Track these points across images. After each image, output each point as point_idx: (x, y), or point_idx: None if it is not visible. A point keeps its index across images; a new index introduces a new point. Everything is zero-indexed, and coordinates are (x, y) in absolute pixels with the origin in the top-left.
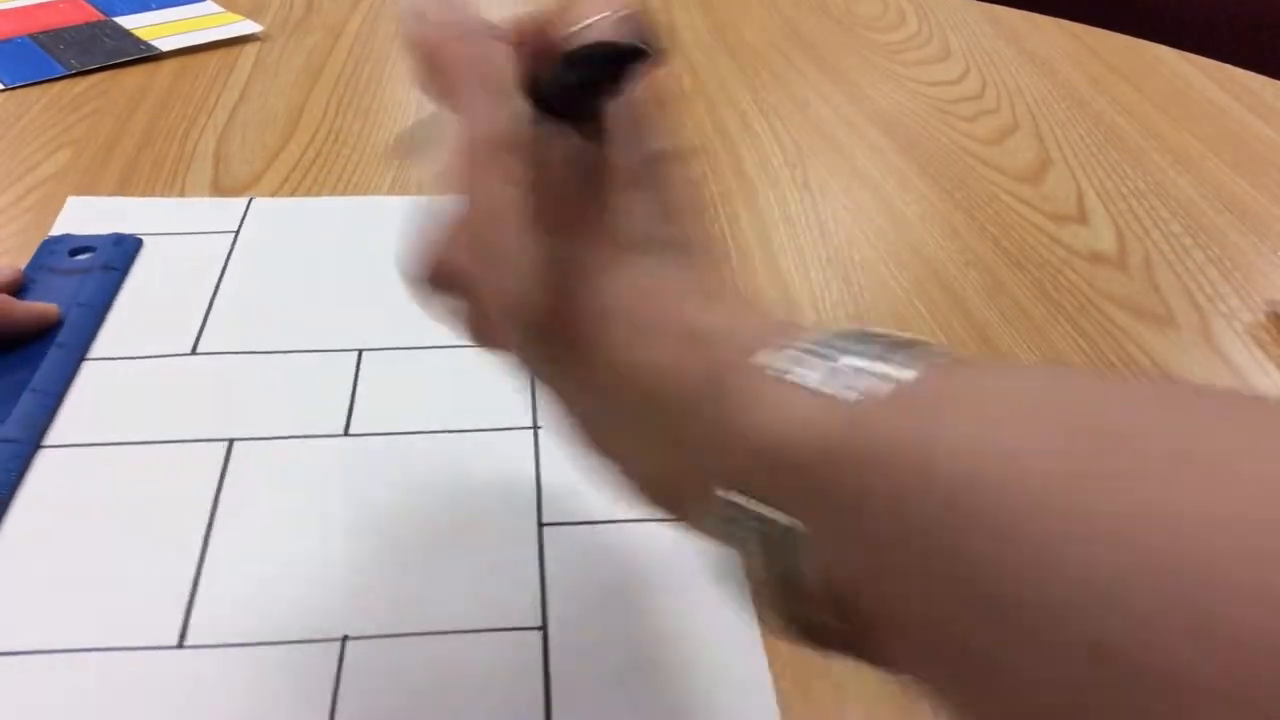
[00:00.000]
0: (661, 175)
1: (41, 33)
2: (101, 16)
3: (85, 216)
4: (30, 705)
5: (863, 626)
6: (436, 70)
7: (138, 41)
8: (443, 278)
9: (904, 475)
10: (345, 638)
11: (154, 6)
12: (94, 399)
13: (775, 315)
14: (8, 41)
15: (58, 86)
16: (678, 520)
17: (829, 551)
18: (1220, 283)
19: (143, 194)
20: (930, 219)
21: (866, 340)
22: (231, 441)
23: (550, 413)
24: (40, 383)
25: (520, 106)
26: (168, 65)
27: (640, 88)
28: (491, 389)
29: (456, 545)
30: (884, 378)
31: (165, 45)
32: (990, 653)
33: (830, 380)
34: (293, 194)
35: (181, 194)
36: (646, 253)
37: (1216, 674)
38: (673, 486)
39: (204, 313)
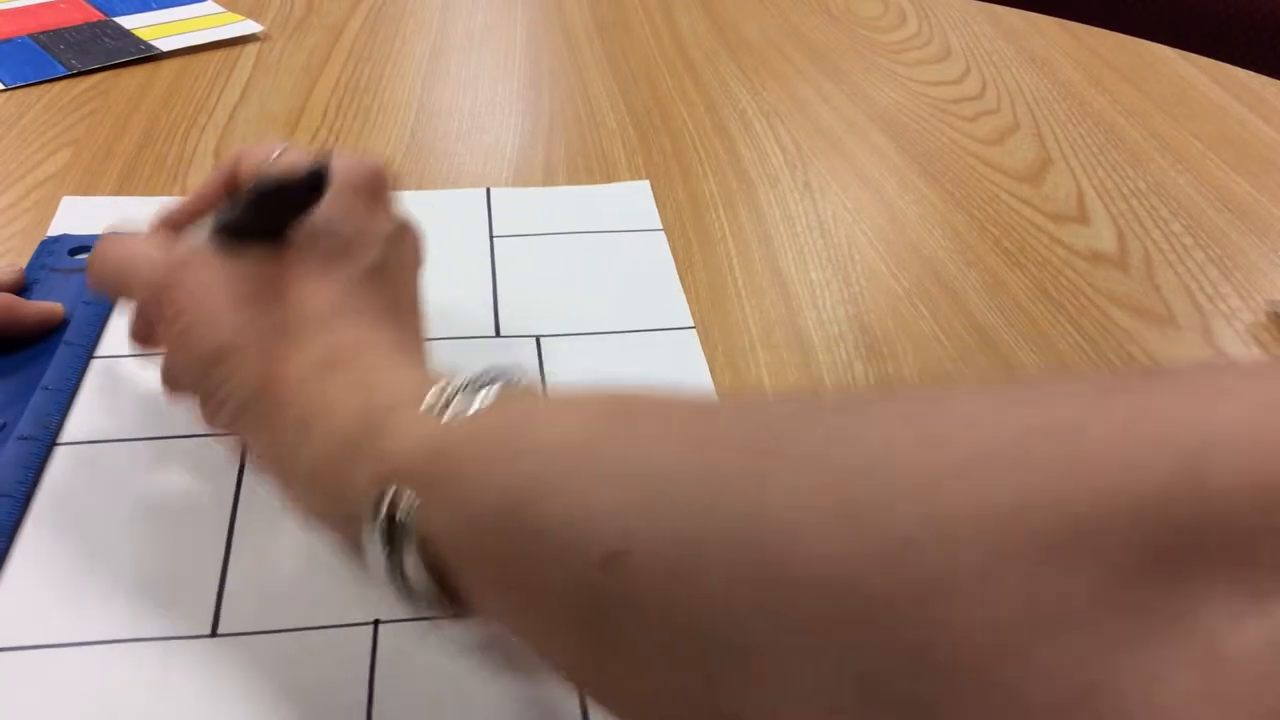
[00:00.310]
0: (356, 259)
1: (42, 33)
2: (102, 16)
3: (80, 216)
4: (66, 698)
5: (452, 583)
6: (113, 262)
7: (138, 41)
8: (183, 383)
9: (472, 458)
10: (377, 621)
11: (154, 6)
12: (106, 395)
13: (429, 370)
14: (8, 41)
15: (58, 86)
16: (336, 535)
17: (430, 522)
18: (1221, 282)
19: (143, 194)
20: (930, 219)
21: (481, 380)
22: None
23: (254, 460)
24: (51, 380)
25: (188, 242)
26: (168, 65)
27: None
28: None
29: None
30: (481, 400)
31: (166, 45)
32: (530, 571)
33: (451, 410)
34: None
35: (183, 194)
36: (338, 318)
37: (661, 551)
38: (337, 504)
39: None
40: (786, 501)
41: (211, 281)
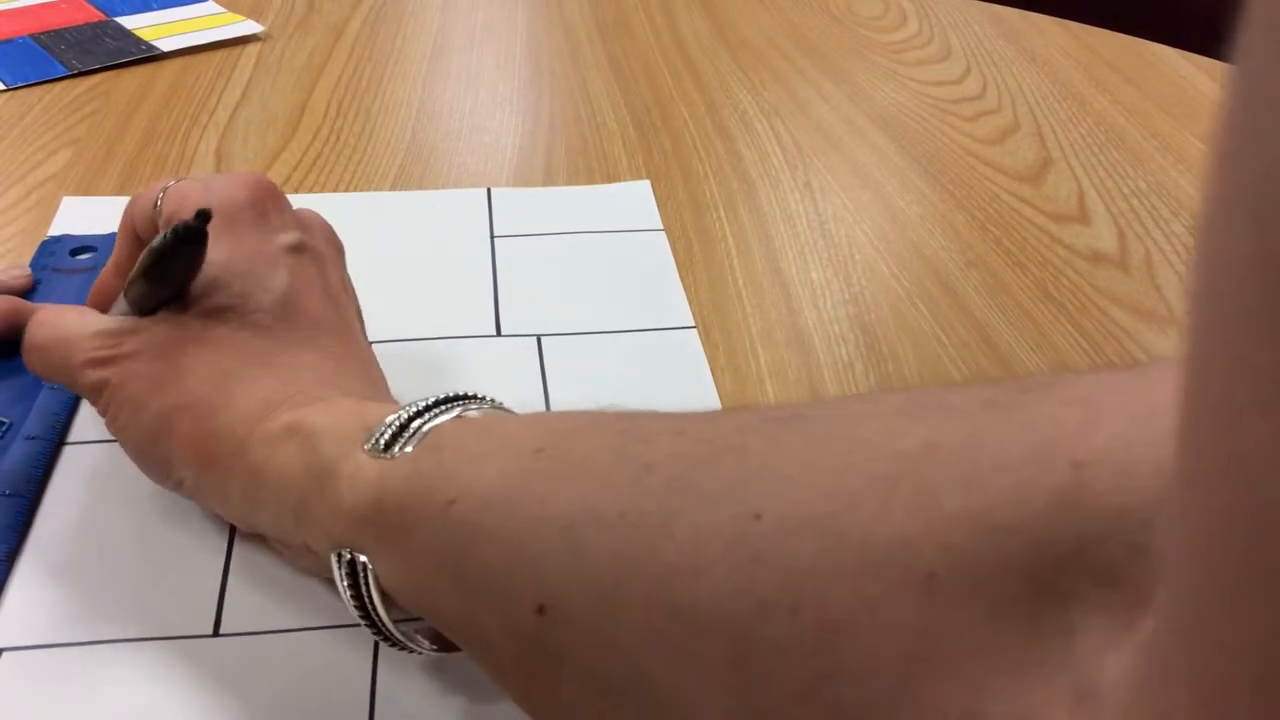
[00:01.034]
0: (263, 293)
1: (42, 33)
2: (103, 16)
3: (81, 216)
4: (70, 697)
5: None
6: (39, 354)
7: (139, 42)
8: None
9: (410, 509)
10: None
11: (155, 7)
12: None
13: (374, 400)
14: (9, 42)
15: (59, 87)
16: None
17: (384, 577)
18: None
19: None
20: (931, 219)
21: (420, 411)
22: None
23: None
24: None
25: (95, 319)
26: (169, 65)
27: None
28: (496, 375)
29: None
30: (419, 438)
31: (166, 45)
32: (472, 621)
33: (390, 451)
34: (294, 194)
35: None
36: (258, 365)
37: (586, 599)
38: (301, 550)
39: None
40: (693, 540)
41: (126, 373)
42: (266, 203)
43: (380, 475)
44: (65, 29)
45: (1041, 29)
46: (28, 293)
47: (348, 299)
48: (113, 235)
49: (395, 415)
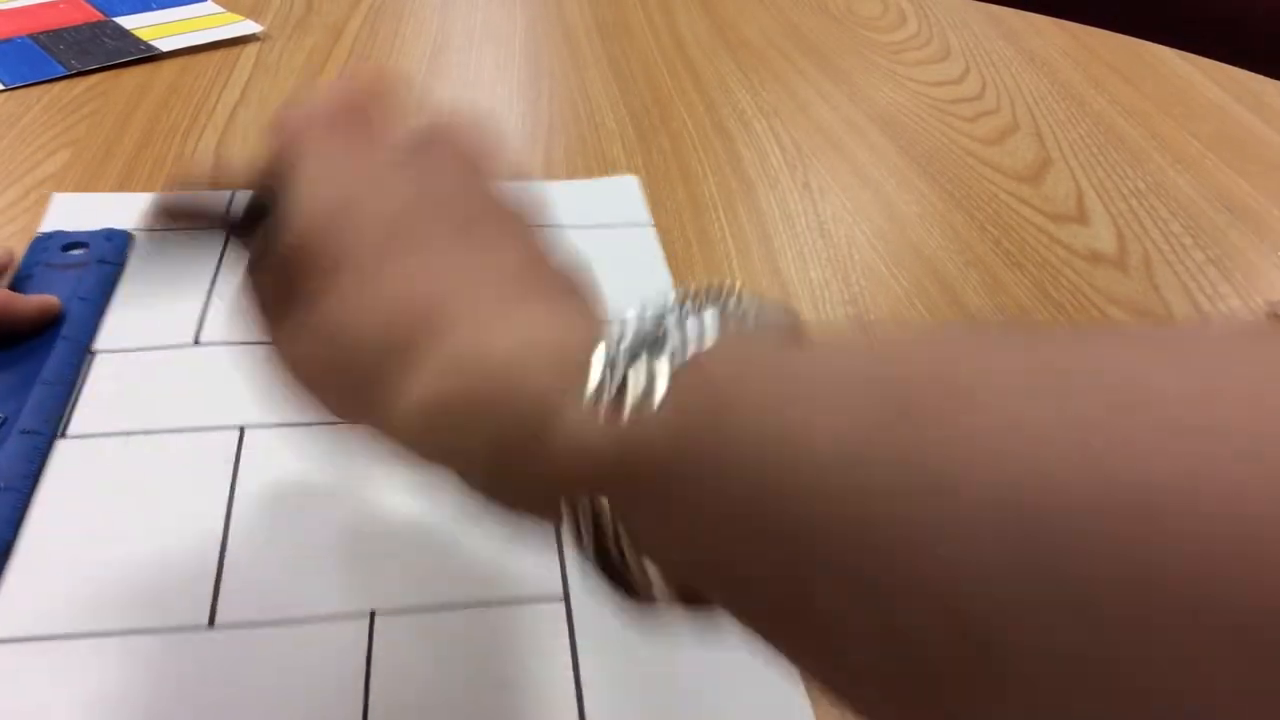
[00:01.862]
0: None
1: (42, 33)
2: (102, 17)
3: (72, 212)
4: (67, 689)
5: (682, 592)
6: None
7: (138, 42)
8: (329, 378)
9: (702, 469)
10: (373, 613)
11: (154, 7)
12: (104, 390)
13: (573, 320)
14: (8, 41)
15: (58, 87)
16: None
17: (651, 538)
18: (1220, 283)
19: (143, 194)
20: (930, 219)
21: (657, 336)
22: (243, 429)
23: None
24: (50, 375)
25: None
26: (168, 65)
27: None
28: None
29: (476, 520)
30: (667, 377)
31: (165, 45)
32: (817, 601)
33: (629, 397)
34: None
35: None
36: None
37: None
38: (515, 500)
39: (203, 304)
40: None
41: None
42: (370, 105)
43: (619, 428)
44: (64, 29)
45: (1040, 29)
46: (17, 285)
47: (507, 205)
48: (103, 231)
49: (614, 345)
